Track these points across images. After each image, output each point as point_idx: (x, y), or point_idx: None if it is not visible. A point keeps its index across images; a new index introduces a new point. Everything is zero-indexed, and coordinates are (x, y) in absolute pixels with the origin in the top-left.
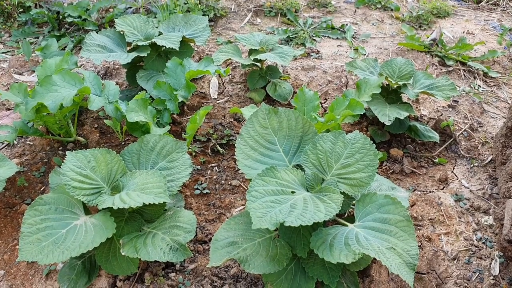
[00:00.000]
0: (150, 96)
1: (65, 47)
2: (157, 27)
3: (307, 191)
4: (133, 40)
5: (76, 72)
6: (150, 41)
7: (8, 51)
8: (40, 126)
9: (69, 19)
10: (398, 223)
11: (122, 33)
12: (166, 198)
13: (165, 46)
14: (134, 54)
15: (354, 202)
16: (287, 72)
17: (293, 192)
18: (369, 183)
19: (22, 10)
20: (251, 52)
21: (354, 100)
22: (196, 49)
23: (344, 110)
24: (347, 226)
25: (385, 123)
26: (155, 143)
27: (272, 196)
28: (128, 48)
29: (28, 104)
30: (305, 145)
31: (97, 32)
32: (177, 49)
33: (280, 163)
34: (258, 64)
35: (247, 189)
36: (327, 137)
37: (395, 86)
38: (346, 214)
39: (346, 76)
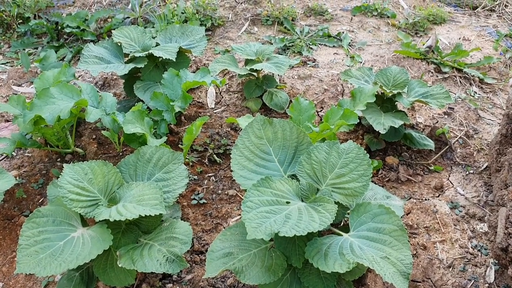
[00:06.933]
0: (148, 107)
1: (64, 57)
2: (154, 37)
3: (302, 201)
4: (130, 51)
5: (73, 84)
6: (147, 52)
7: (7, 62)
8: (39, 138)
9: (67, 30)
10: (392, 232)
11: (119, 44)
12: (162, 210)
13: (162, 57)
14: (131, 66)
15: (349, 211)
16: (283, 81)
17: (288, 202)
18: (363, 192)
19: (21, 21)
20: (247, 62)
21: (348, 110)
22: (193, 58)
23: (339, 120)
24: (342, 235)
25: (380, 131)
26: (151, 155)
27: (267, 206)
28: (126, 59)
29: (26, 117)
30: (300, 155)
31: (95, 42)
32: (174, 60)
33: (275, 173)
34: (255, 73)
35: (245, 194)
36: (322, 147)
37: (390, 95)
38: (341, 223)
39: (342, 85)
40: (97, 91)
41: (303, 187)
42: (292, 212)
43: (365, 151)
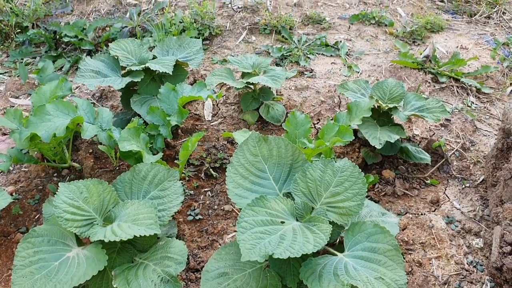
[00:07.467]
0: (144, 121)
1: (62, 67)
2: (153, 47)
3: (297, 220)
4: (127, 65)
5: (71, 96)
6: (144, 66)
7: (5, 72)
8: (35, 153)
9: (65, 39)
10: (387, 252)
11: (116, 57)
12: (157, 230)
13: (158, 71)
14: (128, 79)
15: (344, 230)
16: (280, 92)
17: (282, 222)
18: (358, 212)
19: (19, 30)
20: (244, 75)
21: (343, 126)
22: (191, 69)
23: (334, 137)
24: (337, 255)
25: (376, 146)
26: (147, 172)
27: (262, 226)
28: (123, 71)
29: (22, 134)
30: (295, 173)
31: (93, 52)
32: (171, 73)
33: (271, 191)
34: (251, 86)
35: (239, 214)
36: (317, 165)
37: (386, 108)
38: (337, 240)
39: (338, 96)
40: (93, 106)
41: (298, 206)
42: (287, 232)
43: (360, 170)
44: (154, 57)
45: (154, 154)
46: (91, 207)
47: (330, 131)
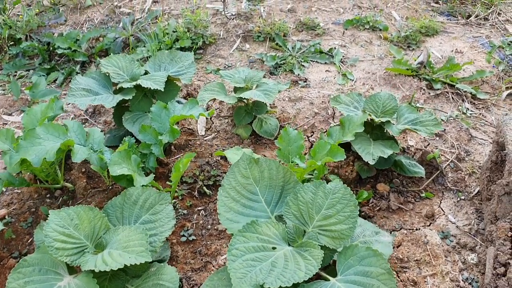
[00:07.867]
0: (136, 139)
1: (56, 80)
2: (147, 57)
3: (289, 245)
4: (119, 81)
5: (63, 115)
6: (135, 83)
7: None
8: (28, 173)
9: (59, 51)
10: (380, 276)
11: (107, 74)
12: (148, 258)
13: (150, 87)
14: (119, 97)
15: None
16: (274, 104)
17: (274, 248)
18: (350, 235)
19: (12, 42)
20: (236, 89)
21: (334, 146)
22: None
23: (326, 156)
24: (329, 280)
25: (369, 162)
26: (138, 196)
27: (253, 253)
28: (115, 87)
29: (12, 159)
30: (286, 195)
31: (86, 63)
32: (162, 90)
33: (262, 214)
34: (245, 100)
35: (230, 241)
36: (308, 187)
37: (379, 122)
38: (331, 261)
39: (332, 108)
40: (85, 124)
41: (290, 230)
42: (278, 259)
43: (352, 192)
44: (146, 72)
45: (146, 173)
46: (82, 234)
47: (322, 149)
